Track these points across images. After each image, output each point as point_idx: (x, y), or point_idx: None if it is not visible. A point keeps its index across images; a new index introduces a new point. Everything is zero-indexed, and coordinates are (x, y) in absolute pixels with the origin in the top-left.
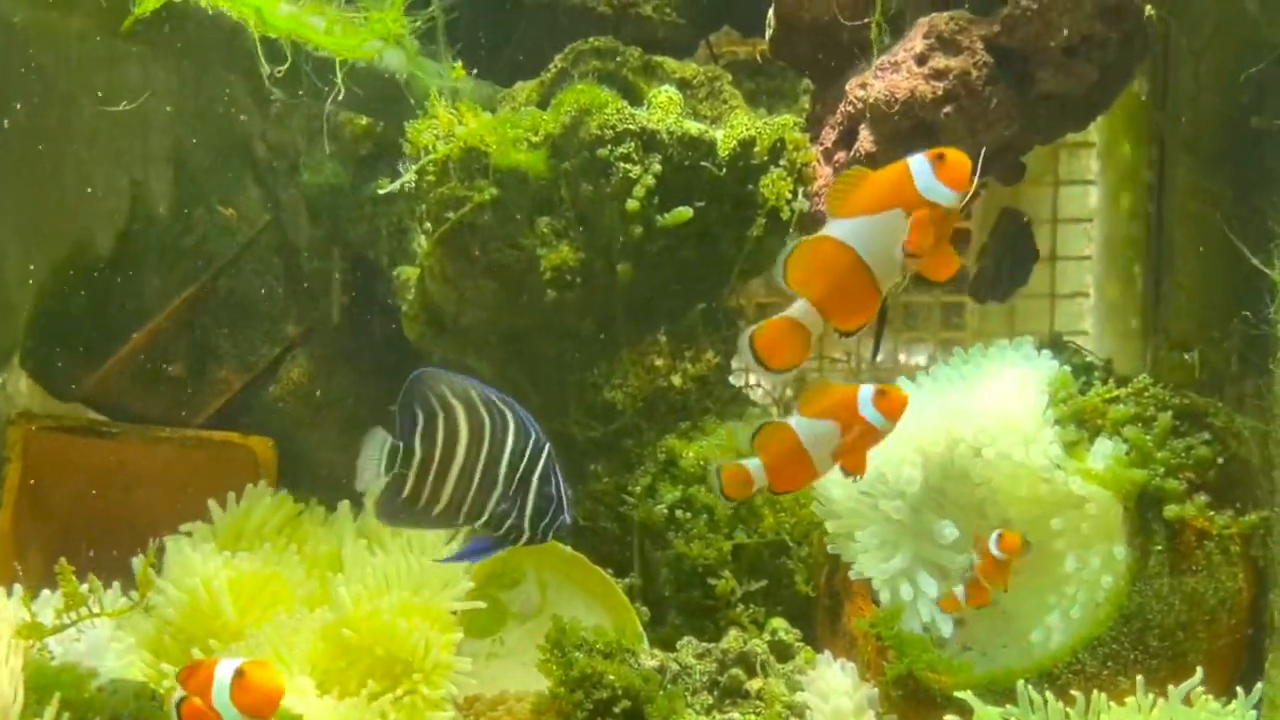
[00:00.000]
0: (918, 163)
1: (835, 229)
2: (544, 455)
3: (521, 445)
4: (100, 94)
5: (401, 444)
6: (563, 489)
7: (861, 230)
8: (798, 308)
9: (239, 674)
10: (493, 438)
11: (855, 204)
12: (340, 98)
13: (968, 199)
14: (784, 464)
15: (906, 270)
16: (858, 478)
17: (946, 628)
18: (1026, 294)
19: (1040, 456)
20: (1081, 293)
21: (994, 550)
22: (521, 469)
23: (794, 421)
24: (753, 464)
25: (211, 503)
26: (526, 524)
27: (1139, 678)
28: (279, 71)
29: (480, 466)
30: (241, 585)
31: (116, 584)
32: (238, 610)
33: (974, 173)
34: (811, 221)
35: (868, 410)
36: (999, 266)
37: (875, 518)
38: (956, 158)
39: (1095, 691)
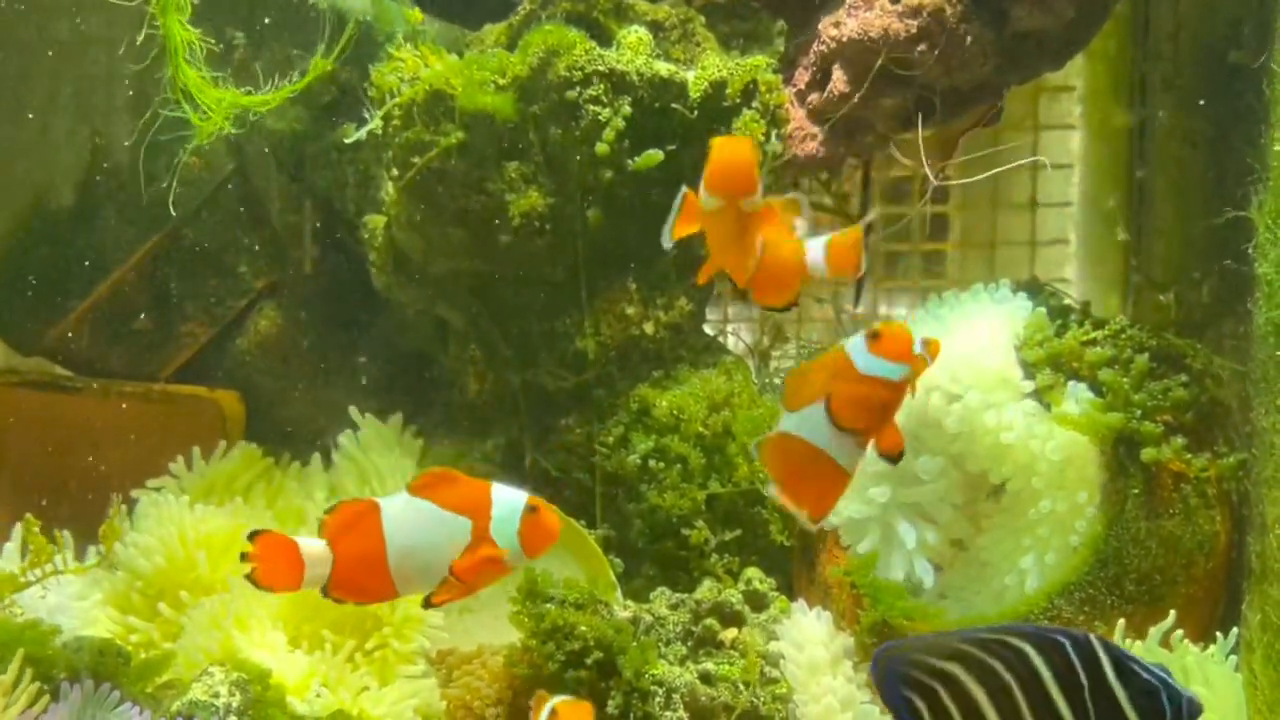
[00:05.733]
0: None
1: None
2: (1100, 652)
3: (1061, 667)
4: (61, 42)
5: None
6: (1155, 671)
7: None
8: None
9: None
10: (1021, 680)
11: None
12: None
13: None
14: (804, 481)
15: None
16: (898, 458)
17: (928, 578)
18: (1007, 241)
19: (1011, 407)
20: (1062, 239)
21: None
22: (1088, 688)
23: (787, 422)
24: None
25: (180, 458)
26: None
27: (1120, 621)
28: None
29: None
30: (213, 539)
31: (90, 546)
32: (210, 564)
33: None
34: (784, 164)
35: (867, 363)
36: None
37: None
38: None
39: None
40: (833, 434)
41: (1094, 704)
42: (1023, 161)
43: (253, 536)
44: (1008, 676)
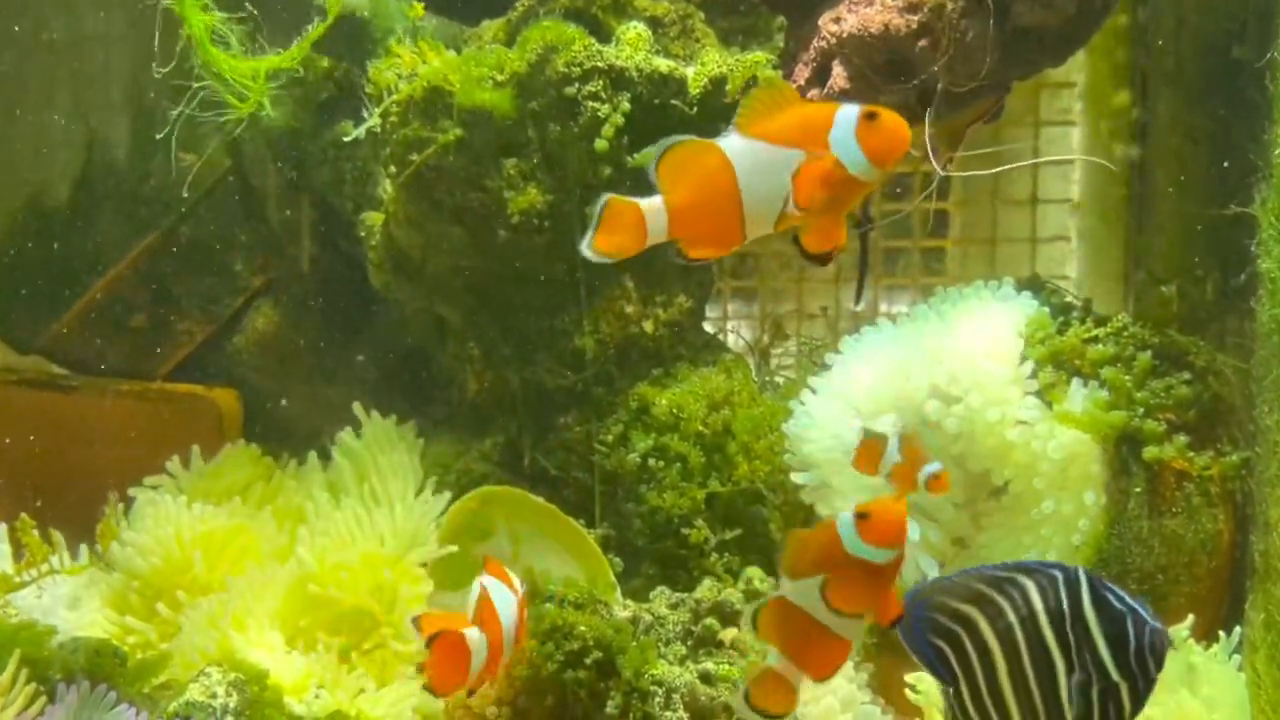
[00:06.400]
0: (845, 113)
1: (727, 141)
2: (1081, 586)
3: (1053, 600)
4: (58, 39)
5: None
6: (1128, 600)
7: (750, 154)
8: (650, 201)
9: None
10: (1022, 621)
11: (763, 127)
12: None
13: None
14: (806, 646)
15: (783, 221)
16: (898, 624)
17: (932, 571)
18: (1007, 238)
19: (1015, 407)
20: (1063, 236)
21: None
22: (1069, 623)
23: (786, 588)
24: (774, 659)
25: (177, 457)
26: (1115, 672)
27: None
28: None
29: (1028, 661)
30: (210, 539)
31: (86, 546)
32: (207, 564)
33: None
34: None
35: (855, 546)
36: None
37: (850, 465)
38: (890, 123)
39: None
40: (831, 611)
41: (1073, 632)
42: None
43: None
44: (1011, 616)
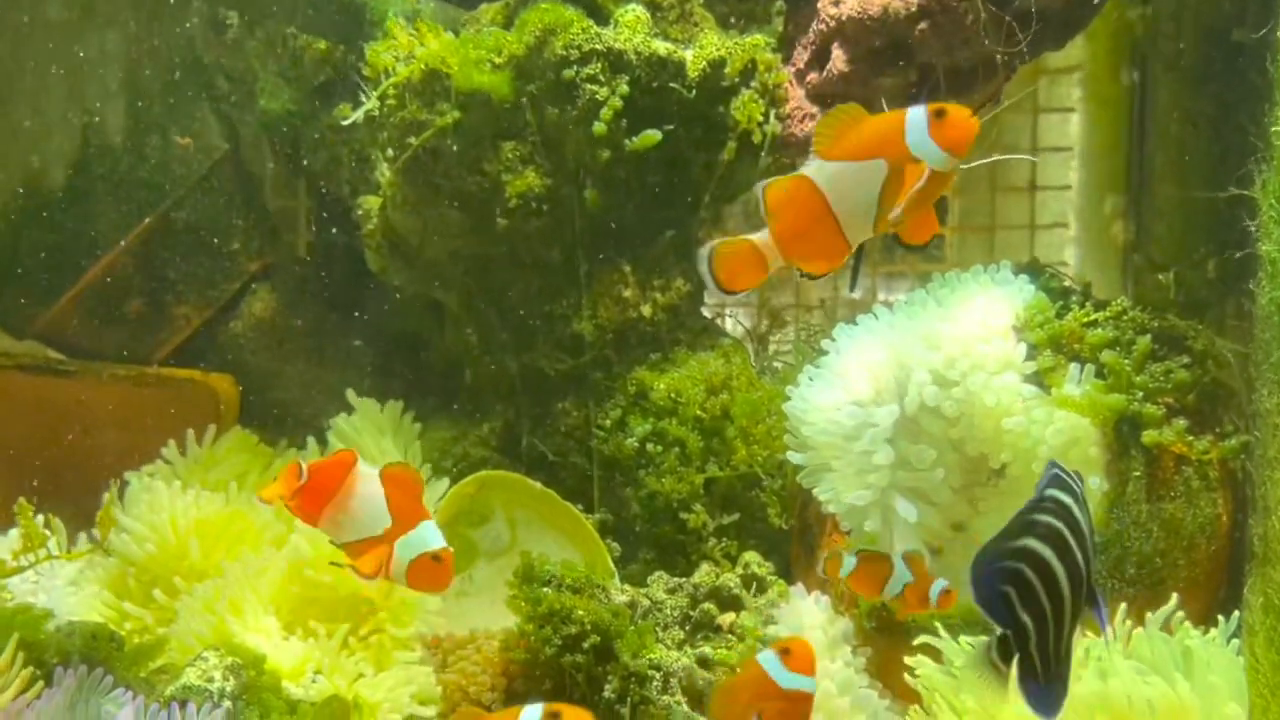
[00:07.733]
0: (915, 115)
1: (811, 169)
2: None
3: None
4: (54, 23)
5: (1009, 631)
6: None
7: (836, 176)
8: (762, 234)
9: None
10: (1068, 524)
11: (840, 147)
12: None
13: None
14: None
15: (882, 226)
16: None
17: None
18: (1006, 225)
19: (1011, 393)
20: (1061, 223)
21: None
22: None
23: None
24: None
25: (173, 443)
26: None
27: (1121, 605)
28: None
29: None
30: (207, 525)
31: (83, 532)
32: (203, 550)
33: (975, 133)
34: (783, 145)
35: (785, 678)
36: None
37: (849, 450)
38: (958, 116)
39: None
40: None
41: (1084, 512)
42: None
43: None
44: (1058, 524)
